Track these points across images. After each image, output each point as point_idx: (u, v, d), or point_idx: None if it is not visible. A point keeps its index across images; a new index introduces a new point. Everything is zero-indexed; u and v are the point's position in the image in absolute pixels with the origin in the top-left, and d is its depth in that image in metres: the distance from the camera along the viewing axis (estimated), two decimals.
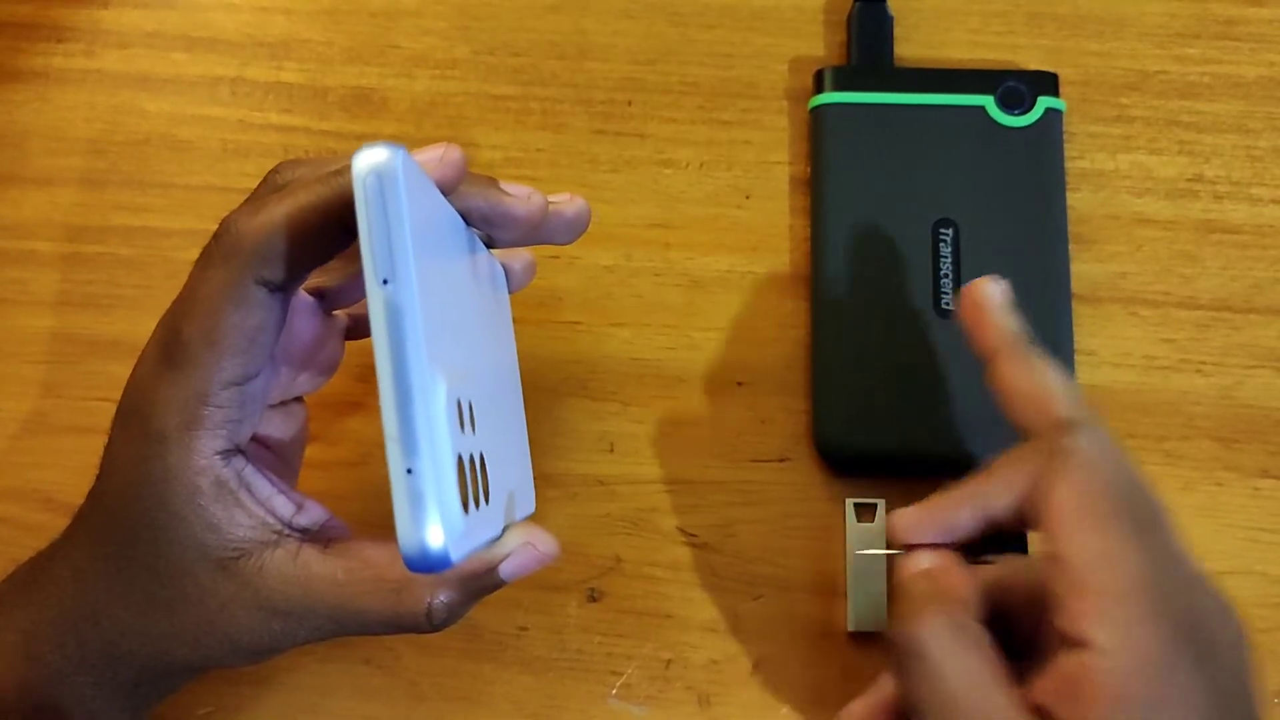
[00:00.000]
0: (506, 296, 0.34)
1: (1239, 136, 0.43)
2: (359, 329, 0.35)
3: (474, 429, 0.26)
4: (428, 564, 0.22)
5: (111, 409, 0.40)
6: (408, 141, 0.43)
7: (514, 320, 0.35)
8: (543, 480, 0.38)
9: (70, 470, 0.40)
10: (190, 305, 0.27)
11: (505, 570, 0.28)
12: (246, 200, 0.28)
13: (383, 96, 0.44)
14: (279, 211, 0.26)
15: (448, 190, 0.28)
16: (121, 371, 0.41)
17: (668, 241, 0.42)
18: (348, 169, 0.26)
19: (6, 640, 0.30)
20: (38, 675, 0.30)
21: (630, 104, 0.44)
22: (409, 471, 0.22)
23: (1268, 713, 0.37)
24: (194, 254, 0.42)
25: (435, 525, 0.22)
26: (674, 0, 0.45)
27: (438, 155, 0.27)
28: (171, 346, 0.27)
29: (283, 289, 0.27)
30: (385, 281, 0.22)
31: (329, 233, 0.27)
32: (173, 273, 0.42)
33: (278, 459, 0.33)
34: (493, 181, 0.30)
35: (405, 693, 0.38)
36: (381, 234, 0.22)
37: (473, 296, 0.29)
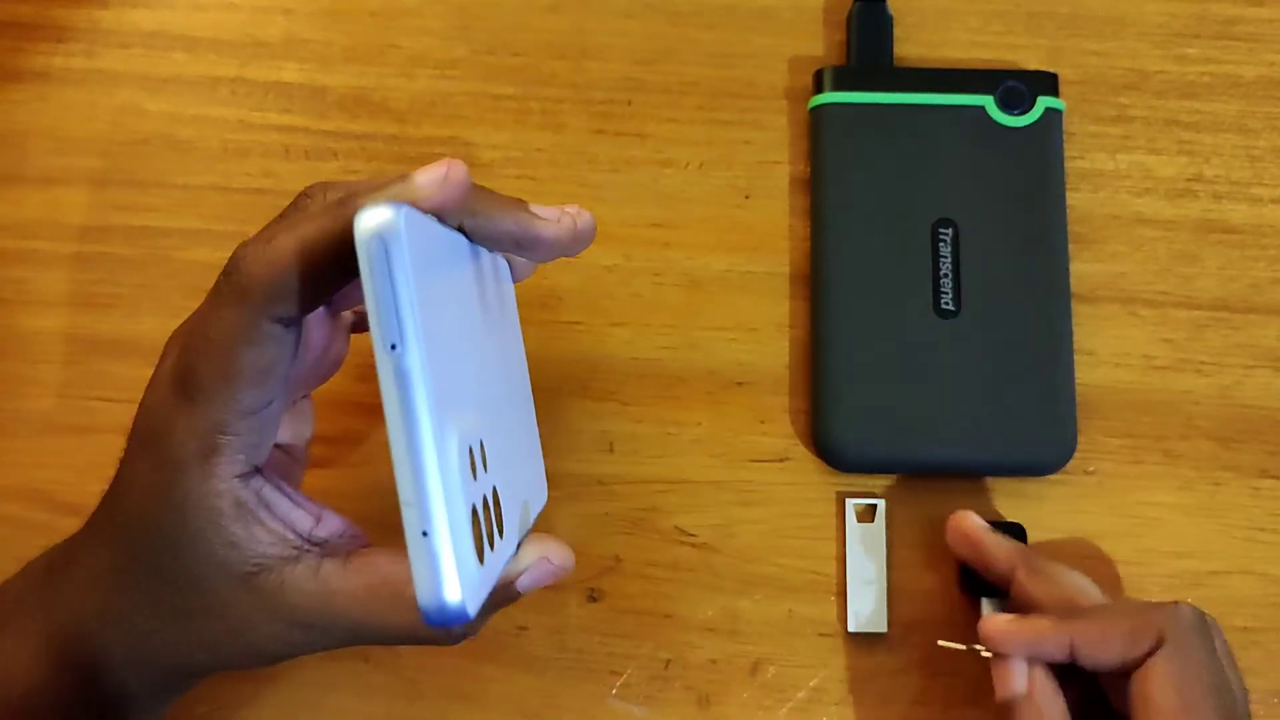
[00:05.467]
0: (511, 288, 0.34)
1: (1239, 136, 0.43)
2: (364, 323, 0.35)
3: (486, 468, 0.26)
4: (446, 621, 0.23)
5: (113, 408, 0.41)
6: (407, 142, 0.43)
7: None
8: None
9: (72, 469, 0.40)
10: (203, 342, 0.27)
11: (522, 584, 0.29)
12: (265, 227, 0.28)
13: (383, 96, 0.44)
14: (287, 247, 0.26)
15: (452, 209, 0.27)
16: (123, 371, 0.41)
17: (668, 241, 0.42)
18: (353, 199, 0.26)
19: (29, 644, 0.30)
20: (60, 678, 0.30)
21: (630, 104, 0.44)
22: (424, 534, 0.23)
23: (1268, 712, 0.37)
24: (195, 253, 0.43)
25: (452, 585, 0.23)
26: (674, 0, 0.45)
27: (441, 175, 0.26)
28: (187, 380, 0.27)
29: (297, 321, 0.27)
30: (393, 347, 0.22)
31: (340, 264, 0.26)
32: (173, 272, 0.42)
33: (287, 456, 0.33)
34: (522, 204, 0.29)
35: (405, 691, 0.38)
36: (387, 299, 0.22)
37: (478, 309, 0.29)
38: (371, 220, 0.22)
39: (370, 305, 0.23)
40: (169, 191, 0.43)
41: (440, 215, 0.27)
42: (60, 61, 0.45)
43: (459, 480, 0.23)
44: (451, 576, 0.23)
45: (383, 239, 0.22)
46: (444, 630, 0.28)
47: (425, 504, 0.22)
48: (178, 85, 0.44)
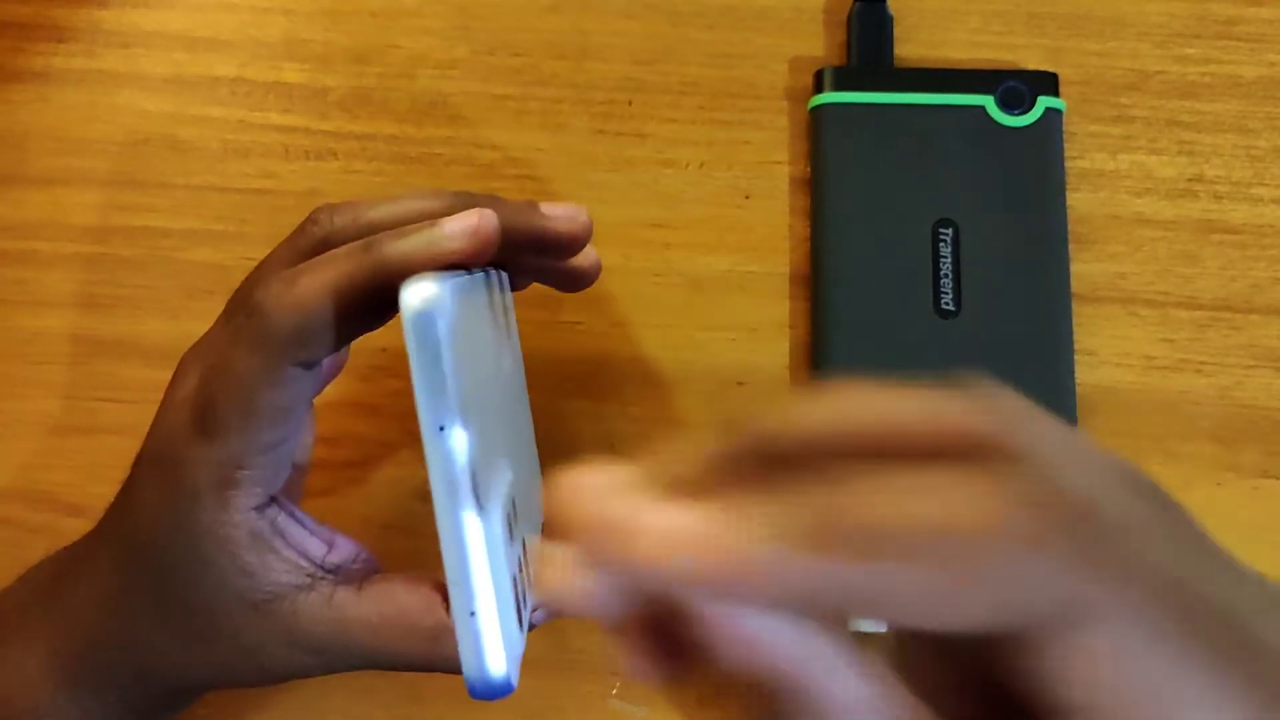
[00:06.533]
0: (511, 298, 0.34)
1: (1239, 136, 0.43)
2: None
3: (518, 520, 0.26)
4: (490, 693, 0.23)
5: (115, 409, 0.41)
6: (408, 142, 0.43)
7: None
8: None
9: (74, 470, 0.40)
10: (223, 379, 0.27)
11: (535, 618, 0.29)
12: (278, 252, 0.28)
13: (383, 96, 0.44)
14: (311, 293, 0.25)
15: (482, 259, 0.27)
16: (126, 371, 0.42)
17: (668, 241, 0.42)
18: (377, 245, 0.26)
19: (36, 658, 0.30)
20: (68, 692, 0.30)
21: (630, 104, 0.44)
22: (471, 614, 0.23)
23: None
24: (195, 254, 0.43)
25: (497, 660, 0.23)
26: (674, 0, 0.45)
27: (471, 227, 0.26)
28: (206, 414, 0.27)
29: (318, 362, 0.27)
30: (441, 428, 0.22)
31: (365, 309, 0.26)
32: (174, 272, 0.42)
33: (290, 468, 0.33)
34: (533, 205, 0.29)
35: (405, 694, 0.38)
36: (437, 380, 0.22)
37: (494, 343, 0.29)
38: (417, 297, 0.22)
39: (417, 384, 0.22)
40: (169, 192, 0.43)
41: (465, 265, 0.27)
42: (60, 61, 0.45)
43: (503, 554, 0.23)
44: (497, 653, 0.23)
45: (431, 318, 0.22)
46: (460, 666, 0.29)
47: (470, 585, 0.23)
48: (178, 85, 0.44)
